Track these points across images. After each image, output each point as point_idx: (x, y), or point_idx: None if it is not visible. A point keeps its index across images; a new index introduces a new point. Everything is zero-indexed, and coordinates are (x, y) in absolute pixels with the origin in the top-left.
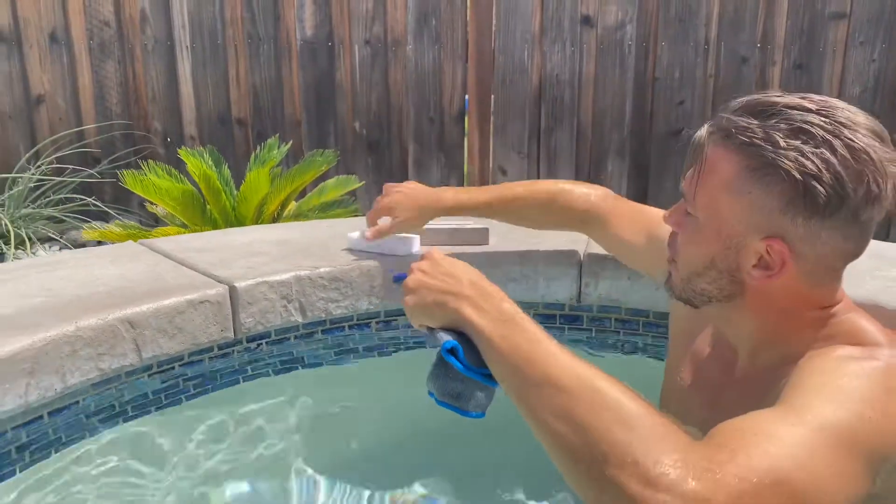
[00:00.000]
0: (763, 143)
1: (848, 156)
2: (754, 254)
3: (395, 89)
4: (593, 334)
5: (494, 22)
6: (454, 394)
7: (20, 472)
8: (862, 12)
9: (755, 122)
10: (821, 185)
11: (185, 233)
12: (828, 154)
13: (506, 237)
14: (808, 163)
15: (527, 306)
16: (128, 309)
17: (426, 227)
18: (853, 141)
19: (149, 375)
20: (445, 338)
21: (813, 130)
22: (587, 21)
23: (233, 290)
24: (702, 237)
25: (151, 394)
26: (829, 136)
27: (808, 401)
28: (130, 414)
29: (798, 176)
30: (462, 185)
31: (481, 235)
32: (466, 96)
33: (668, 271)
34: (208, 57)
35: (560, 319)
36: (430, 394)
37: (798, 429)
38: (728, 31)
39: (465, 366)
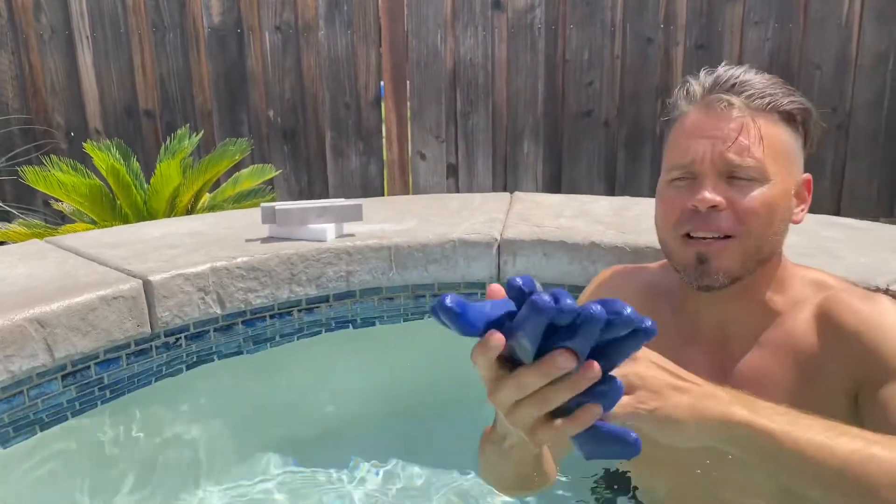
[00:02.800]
0: (789, 92)
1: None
2: (797, 192)
3: (308, 76)
4: None
5: (406, 6)
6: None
7: None
8: None
9: (777, 90)
10: (814, 129)
11: (94, 229)
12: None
13: (426, 220)
14: (808, 110)
15: (448, 286)
16: (36, 308)
17: (292, 205)
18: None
19: (62, 376)
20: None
21: (789, 89)
22: (498, 5)
23: (147, 284)
24: (773, 193)
25: (66, 400)
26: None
27: None
28: (46, 421)
29: (809, 119)
30: (382, 172)
31: (355, 211)
32: (382, 82)
33: (702, 264)
34: (111, 46)
35: (481, 297)
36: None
37: None
38: (633, 13)
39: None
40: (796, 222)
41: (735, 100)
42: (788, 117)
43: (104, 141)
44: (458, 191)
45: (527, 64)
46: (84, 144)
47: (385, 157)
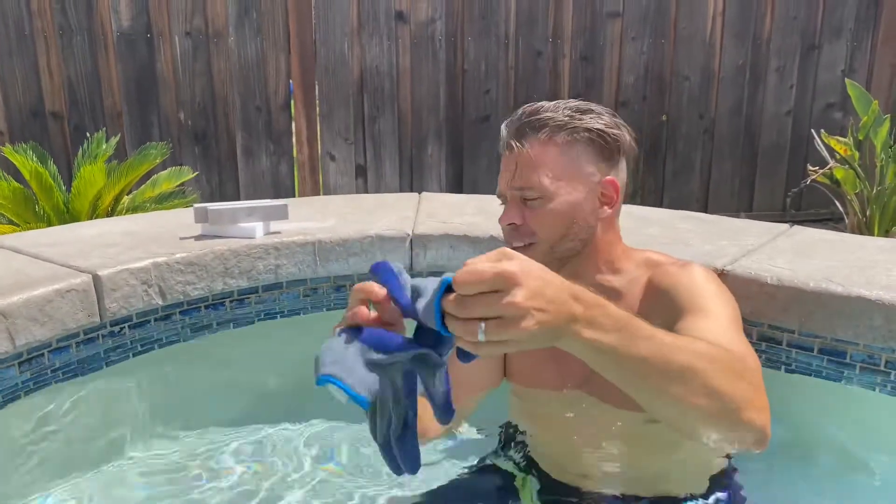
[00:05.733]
0: (566, 122)
1: (613, 122)
2: (598, 196)
3: (219, 80)
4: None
5: (314, 15)
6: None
7: None
8: (632, 11)
9: (563, 117)
10: (608, 138)
11: (18, 231)
12: (604, 119)
13: (345, 218)
14: (595, 125)
15: (367, 277)
16: None
17: (223, 206)
18: (604, 115)
19: (19, 363)
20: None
21: (591, 107)
22: (401, 16)
23: (96, 279)
24: (558, 206)
25: (21, 381)
26: (595, 110)
27: (711, 305)
28: (2, 401)
29: (594, 136)
30: (292, 172)
31: (281, 211)
32: (291, 81)
33: None
34: (14, 48)
35: None
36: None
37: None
38: (525, 27)
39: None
40: (604, 219)
41: (515, 143)
42: (569, 141)
43: (9, 143)
44: (366, 190)
45: (429, 73)
46: (3, 149)
47: (295, 158)
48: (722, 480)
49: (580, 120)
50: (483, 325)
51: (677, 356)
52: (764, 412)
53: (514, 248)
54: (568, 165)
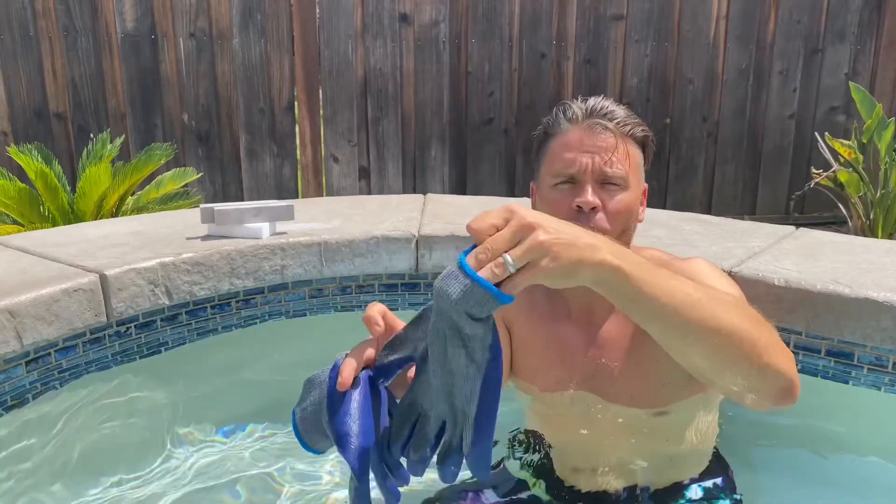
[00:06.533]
0: (636, 123)
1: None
2: (640, 199)
3: (222, 81)
4: (430, 297)
5: (318, 17)
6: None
7: None
8: (636, 14)
9: (634, 120)
10: (650, 151)
11: (22, 231)
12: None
13: (350, 219)
14: (650, 137)
15: (373, 278)
16: (6, 300)
17: (229, 206)
18: None
19: (27, 362)
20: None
21: (639, 119)
22: (405, 18)
23: (103, 278)
24: (630, 199)
25: (28, 383)
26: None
27: (717, 284)
28: (10, 403)
29: (648, 143)
30: (296, 174)
31: (287, 211)
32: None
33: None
34: (19, 49)
35: (401, 287)
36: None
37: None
38: (528, 30)
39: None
40: (640, 221)
41: (609, 124)
42: (638, 141)
43: (13, 144)
44: (370, 192)
45: (432, 75)
46: (8, 149)
47: (299, 160)
48: (716, 465)
49: (641, 125)
50: (508, 256)
51: (697, 287)
52: (789, 360)
53: None
54: (638, 162)
